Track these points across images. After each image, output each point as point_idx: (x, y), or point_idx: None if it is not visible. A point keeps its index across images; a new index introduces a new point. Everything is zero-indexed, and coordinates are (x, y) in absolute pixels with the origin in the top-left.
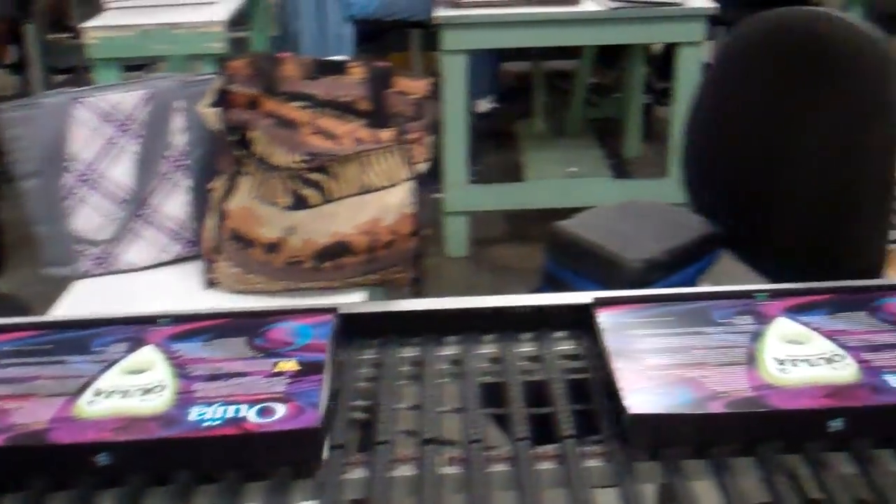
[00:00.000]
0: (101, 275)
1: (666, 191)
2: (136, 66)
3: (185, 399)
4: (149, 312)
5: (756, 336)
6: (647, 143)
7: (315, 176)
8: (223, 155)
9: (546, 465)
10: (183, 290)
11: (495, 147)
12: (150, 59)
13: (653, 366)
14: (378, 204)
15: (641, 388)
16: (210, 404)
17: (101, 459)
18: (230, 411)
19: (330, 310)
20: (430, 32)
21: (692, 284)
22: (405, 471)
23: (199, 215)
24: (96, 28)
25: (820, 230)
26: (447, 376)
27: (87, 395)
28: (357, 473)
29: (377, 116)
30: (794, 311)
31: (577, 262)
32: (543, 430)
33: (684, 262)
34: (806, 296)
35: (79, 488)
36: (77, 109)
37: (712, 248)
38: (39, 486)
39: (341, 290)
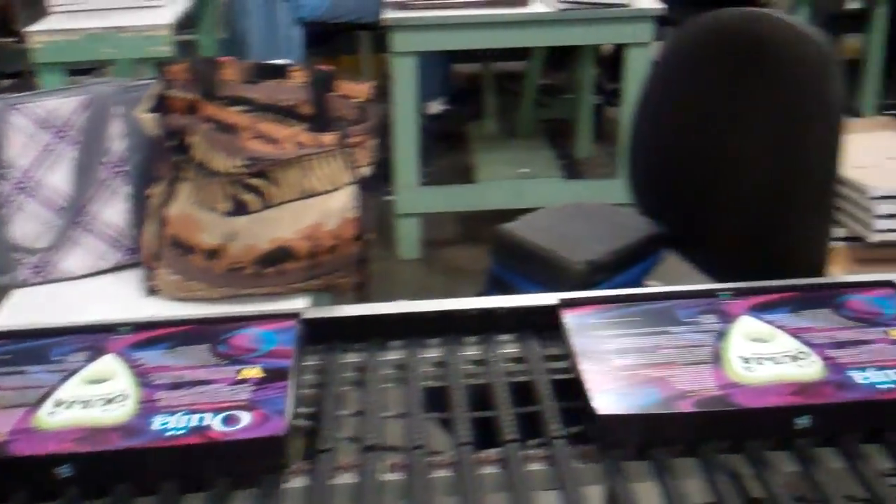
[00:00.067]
0: (39, 283)
1: (617, 191)
2: (82, 71)
3: (147, 408)
4: (108, 320)
5: (721, 335)
6: (597, 143)
7: (255, 181)
8: (162, 161)
9: (489, 470)
10: (123, 298)
11: (446, 149)
12: (96, 63)
13: (620, 366)
14: (320, 208)
15: (609, 389)
16: (173, 413)
17: (63, 471)
18: (194, 420)
19: (293, 315)
20: (380, 34)
21: (637, 285)
22: (347, 478)
23: (139, 222)
24: (40, 32)
25: (763, 229)
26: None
27: (48, 405)
28: (298, 482)
29: (319, 120)
30: (758, 310)
31: (522, 264)
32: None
33: (628, 263)
34: (769, 294)
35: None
36: (13, 116)
37: (656, 249)
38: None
39: (284, 296)
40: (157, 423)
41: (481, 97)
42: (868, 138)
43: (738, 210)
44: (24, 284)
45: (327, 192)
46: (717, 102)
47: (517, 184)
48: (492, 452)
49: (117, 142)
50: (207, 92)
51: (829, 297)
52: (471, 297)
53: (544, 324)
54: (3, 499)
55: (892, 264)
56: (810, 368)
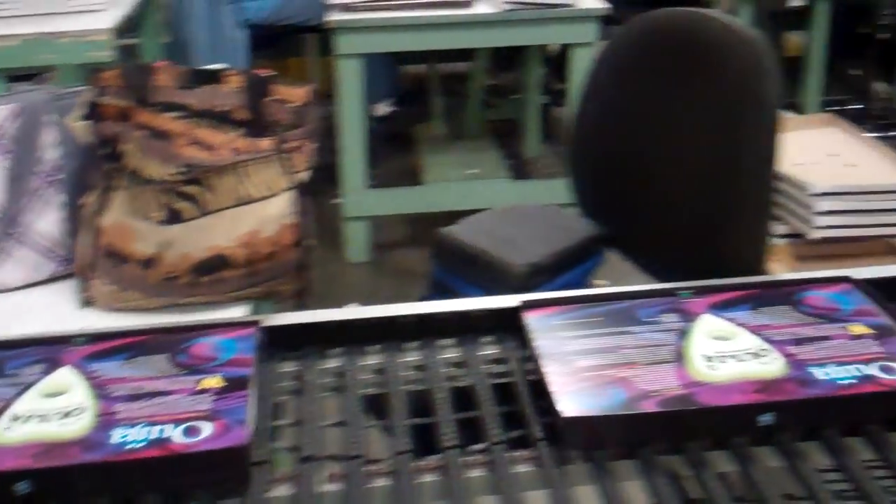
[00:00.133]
0: None
1: (565, 190)
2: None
3: (106, 421)
4: (63, 331)
5: (683, 334)
6: (545, 143)
7: (189, 188)
8: (94, 169)
9: (429, 478)
10: (58, 310)
11: (394, 150)
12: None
13: (583, 367)
14: (257, 215)
15: (573, 391)
16: (133, 425)
17: (21, 488)
18: (154, 432)
19: (252, 322)
20: (326, 37)
21: (579, 286)
22: (283, 491)
23: (73, 232)
24: None
25: (701, 228)
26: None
27: (4, 420)
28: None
29: (256, 125)
30: (719, 308)
31: (463, 267)
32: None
33: (570, 265)
34: (729, 292)
35: None
36: None
37: (598, 250)
38: None
39: (222, 305)
40: (116, 436)
41: (428, 98)
42: (809, 135)
43: (677, 209)
44: None
45: (264, 198)
46: (655, 102)
47: (465, 185)
48: (431, 460)
49: (50, 150)
50: (141, 98)
51: (788, 293)
52: (436, 302)
53: (495, 327)
54: None
55: (833, 260)
56: (772, 365)
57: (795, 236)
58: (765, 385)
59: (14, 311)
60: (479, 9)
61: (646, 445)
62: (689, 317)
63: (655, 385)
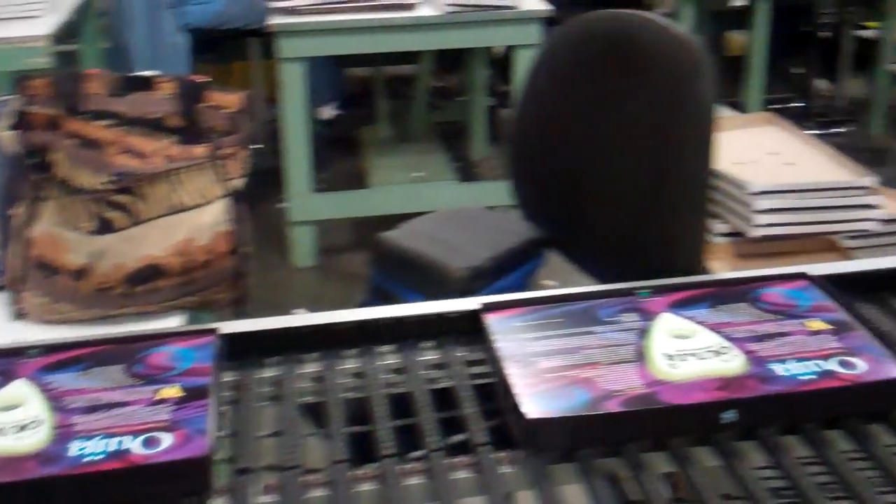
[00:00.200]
0: None
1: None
2: None
3: (63, 434)
4: (16, 343)
5: (643, 333)
6: (492, 145)
7: (121, 198)
8: (23, 180)
9: (366, 486)
10: None
11: (340, 154)
12: None
13: (546, 368)
14: (190, 224)
15: (536, 392)
16: (91, 437)
17: None
18: (113, 444)
19: (210, 331)
20: (269, 40)
21: (520, 289)
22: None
23: (3, 244)
24: None
25: (639, 228)
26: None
27: None
28: None
29: (189, 132)
30: (678, 306)
31: (403, 272)
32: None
33: (510, 268)
34: (687, 290)
35: None
36: None
37: (538, 252)
38: None
39: (158, 315)
40: (74, 448)
41: (373, 101)
42: (749, 134)
43: (616, 209)
44: None
45: (198, 206)
46: (593, 103)
47: (411, 188)
48: (369, 468)
49: None
50: (71, 107)
51: (746, 291)
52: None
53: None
54: None
55: (772, 258)
56: (733, 363)
57: (736, 235)
58: (726, 382)
59: None
60: (423, 11)
61: (610, 445)
62: (648, 316)
63: (618, 385)
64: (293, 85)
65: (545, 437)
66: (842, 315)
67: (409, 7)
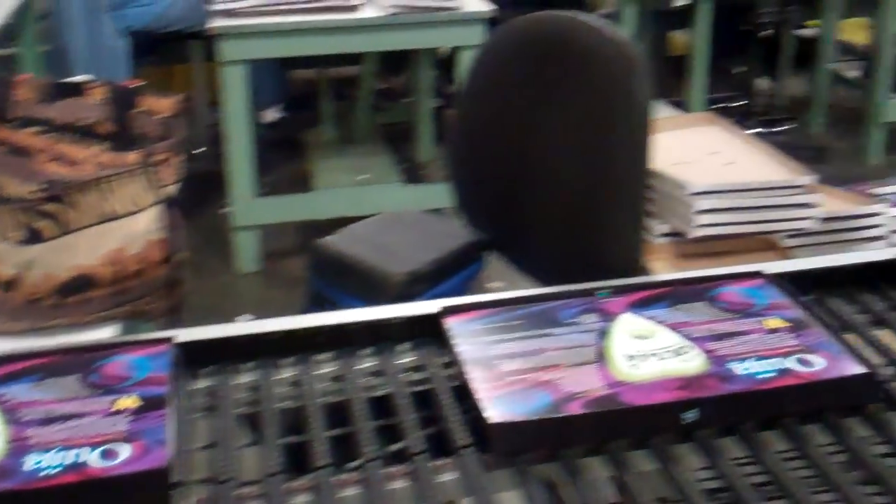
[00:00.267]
0: None
1: None
2: None
3: (18, 447)
4: None
5: (603, 334)
6: (439, 146)
7: (50, 206)
8: None
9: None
10: None
11: (285, 157)
12: None
13: (507, 371)
14: (122, 232)
15: (499, 396)
16: (47, 450)
17: None
18: (70, 456)
19: (166, 339)
20: (211, 43)
21: (461, 293)
22: None
23: None
24: None
25: (577, 229)
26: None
27: None
28: None
29: (121, 139)
30: (637, 306)
31: (341, 278)
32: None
33: (449, 272)
34: (646, 290)
35: None
36: None
37: (478, 255)
38: None
39: (91, 326)
40: (29, 462)
41: (318, 103)
42: (690, 134)
43: (554, 211)
44: None
45: (130, 214)
46: (531, 104)
47: (357, 191)
48: (303, 480)
49: None
50: None
51: (703, 290)
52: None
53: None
54: None
55: (712, 258)
56: (693, 362)
57: (677, 235)
58: (687, 382)
59: None
60: (366, 13)
61: (571, 447)
62: (608, 317)
63: (580, 386)
64: (235, 88)
65: (508, 441)
66: (798, 313)
67: (352, 9)
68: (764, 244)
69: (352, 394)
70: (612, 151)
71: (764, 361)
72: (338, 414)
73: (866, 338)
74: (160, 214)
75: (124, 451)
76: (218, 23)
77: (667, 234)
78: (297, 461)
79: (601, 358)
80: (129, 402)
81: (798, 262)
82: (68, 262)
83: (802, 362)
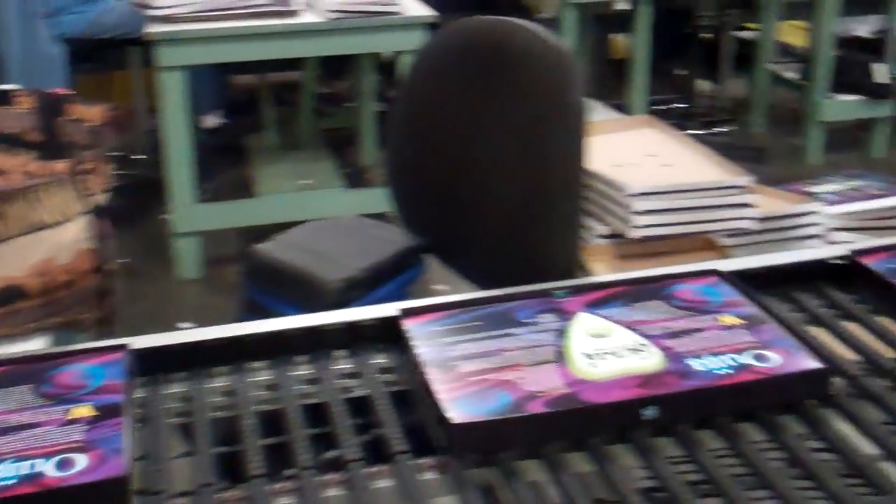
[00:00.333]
0: None
1: None
2: None
3: None
4: None
5: (561, 333)
6: (382, 150)
7: None
8: None
9: None
10: None
11: (226, 163)
12: None
13: (467, 372)
14: (51, 242)
15: (460, 397)
16: (1, 461)
17: None
18: (25, 467)
19: (120, 347)
20: (149, 48)
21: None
22: None
23: None
24: None
25: (517, 232)
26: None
27: None
28: None
29: (50, 147)
30: (594, 306)
31: (276, 285)
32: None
33: (386, 277)
34: (602, 290)
35: None
36: None
37: (416, 260)
38: None
39: (21, 338)
40: None
41: (260, 108)
42: (629, 136)
43: (492, 215)
44: None
45: (58, 223)
46: (467, 109)
47: (299, 196)
48: (237, 490)
49: None
50: None
51: (658, 288)
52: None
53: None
54: None
55: (652, 259)
56: (651, 360)
57: (616, 236)
58: (645, 379)
59: None
60: (305, 18)
61: (534, 447)
62: (565, 316)
63: (540, 386)
64: (173, 94)
65: (470, 442)
66: (753, 309)
67: (292, 14)
68: (702, 244)
69: (287, 402)
70: (549, 155)
71: (720, 358)
72: (273, 422)
73: (820, 332)
74: (89, 224)
75: (81, 461)
76: (155, 28)
77: (606, 236)
78: (232, 471)
79: (560, 357)
80: (84, 411)
81: (750, 259)
82: None
83: (759, 358)
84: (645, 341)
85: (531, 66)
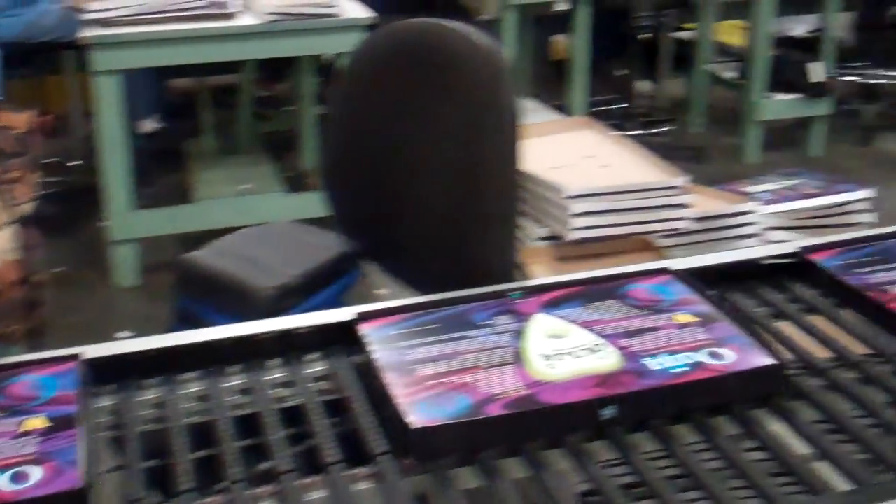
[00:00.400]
0: None
1: None
2: None
3: None
4: None
5: (518, 335)
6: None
7: None
8: None
9: None
10: None
11: (165, 168)
12: None
13: (426, 376)
14: None
15: (419, 400)
16: None
17: None
18: None
19: (72, 357)
20: (84, 53)
21: (336, 304)
22: None
23: None
24: None
25: (452, 236)
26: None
27: None
28: None
29: None
30: (550, 306)
31: (209, 294)
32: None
33: (322, 284)
34: (557, 290)
35: None
36: None
37: (352, 266)
38: None
39: None
40: None
41: (198, 112)
42: (567, 138)
43: (426, 219)
44: None
45: None
46: (400, 113)
47: (238, 201)
48: None
49: None
50: None
51: (613, 288)
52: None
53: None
54: None
55: (590, 260)
56: (608, 359)
57: (555, 238)
58: (603, 379)
59: None
60: (243, 20)
61: (492, 448)
62: (522, 317)
63: (499, 388)
64: (109, 98)
65: (430, 446)
66: (706, 307)
67: (229, 16)
68: (640, 245)
69: (218, 413)
70: (481, 158)
71: (676, 356)
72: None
73: (770, 330)
74: (16, 234)
75: (35, 474)
76: (90, 32)
77: (545, 238)
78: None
79: (518, 359)
80: (37, 422)
81: (700, 258)
82: None
83: (713, 355)
84: (601, 341)
85: (462, 69)
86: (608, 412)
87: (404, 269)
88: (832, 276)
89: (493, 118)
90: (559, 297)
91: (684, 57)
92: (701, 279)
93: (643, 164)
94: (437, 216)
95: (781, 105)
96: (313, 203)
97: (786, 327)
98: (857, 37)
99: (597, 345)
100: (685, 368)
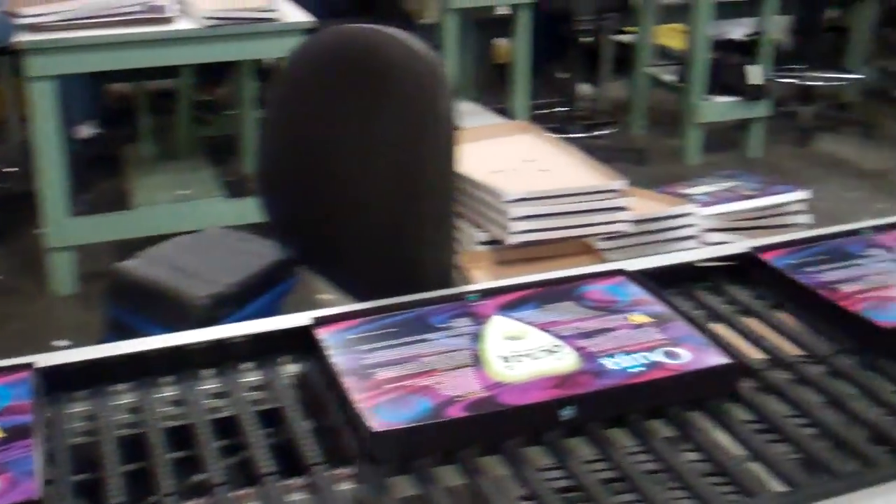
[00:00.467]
0: None
1: None
2: None
3: None
4: None
5: (477, 337)
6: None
7: None
8: None
9: None
10: None
11: (102, 174)
12: None
13: (385, 379)
14: None
15: (379, 404)
16: None
17: None
18: None
19: (25, 366)
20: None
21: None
22: None
23: None
24: None
25: (390, 242)
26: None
27: None
28: None
29: None
30: (507, 308)
31: (142, 304)
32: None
33: (257, 292)
34: (514, 292)
35: None
36: None
37: (288, 273)
38: None
39: None
40: None
41: (135, 118)
42: (507, 142)
43: (363, 225)
44: None
45: None
46: (336, 118)
47: (177, 207)
48: None
49: None
50: None
51: (569, 289)
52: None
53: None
54: None
55: (531, 264)
56: (566, 360)
57: (495, 243)
58: (562, 380)
59: None
60: (180, 25)
61: (454, 450)
62: (480, 319)
63: (458, 390)
64: (44, 104)
65: (390, 449)
66: (661, 307)
67: (166, 21)
68: (580, 248)
69: (150, 425)
70: (418, 163)
71: (633, 356)
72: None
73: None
74: None
75: None
76: (23, 38)
77: (485, 242)
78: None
79: (477, 361)
80: None
81: (653, 259)
82: None
83: (669, 355)
84: (559, 342)
85: (399, 75)
86: (567, 413)
87: (341, 276)
88: (783, 274)
89: (430, 123)
90: (516, 300)
91: (625, 60)
92: (657, 280)
93: (582, 167)
94: (373, 221)
95: (721, 107)
96: (254, 208)
97: (720, 328)
98: (795, 40)
99: (555, 346)
100: (642, 368)
